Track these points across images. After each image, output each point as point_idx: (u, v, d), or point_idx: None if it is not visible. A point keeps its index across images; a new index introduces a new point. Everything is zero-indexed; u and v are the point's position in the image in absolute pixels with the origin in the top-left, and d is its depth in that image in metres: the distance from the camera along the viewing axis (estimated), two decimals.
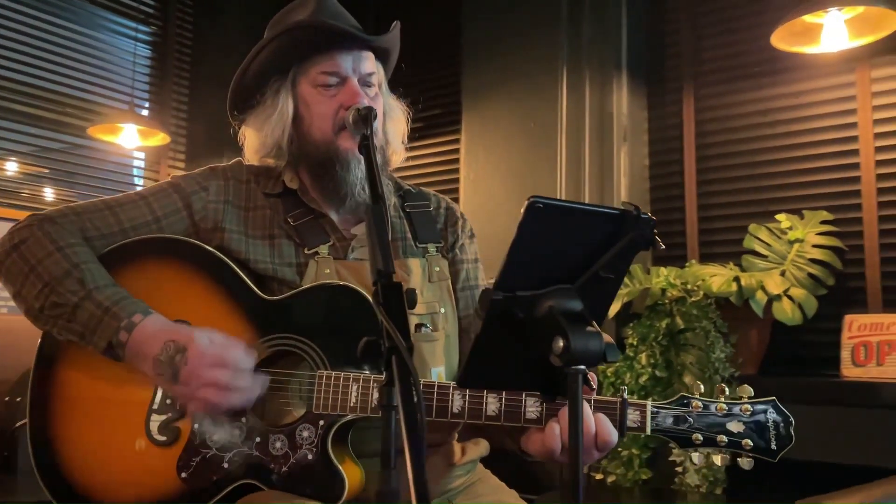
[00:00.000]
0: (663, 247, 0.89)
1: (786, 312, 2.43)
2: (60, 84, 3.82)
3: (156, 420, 1.28)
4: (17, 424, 1.94)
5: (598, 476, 2.70)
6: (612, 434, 1.15)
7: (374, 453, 1.32)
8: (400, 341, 0.80)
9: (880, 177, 2.65)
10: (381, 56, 1.49)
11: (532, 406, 1.20)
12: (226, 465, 1.25)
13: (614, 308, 2.70)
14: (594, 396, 1.19)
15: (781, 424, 1.18)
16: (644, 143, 3.19)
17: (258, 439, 1.25)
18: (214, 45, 4.42)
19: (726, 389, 1.22)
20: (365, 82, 1.42)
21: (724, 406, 1.19)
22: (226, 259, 1.35)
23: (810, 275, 2.58)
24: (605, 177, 3.04)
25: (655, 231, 0.89)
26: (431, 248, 1.48)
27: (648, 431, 1.19)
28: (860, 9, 2.30)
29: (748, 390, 1.21)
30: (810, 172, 2.79)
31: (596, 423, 1.14)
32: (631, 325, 2.68)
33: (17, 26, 3.64)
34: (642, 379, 2.63)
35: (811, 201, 2.76)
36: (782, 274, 2.57)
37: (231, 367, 1.19)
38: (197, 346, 1.18)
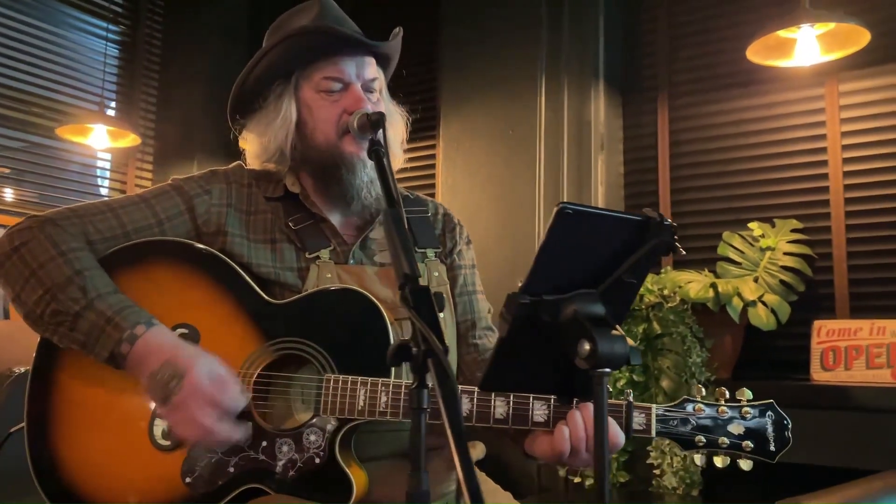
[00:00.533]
0: (684, 252, 0.92)
1: (761, 318, 2.50)
2: (28, 83, 3.74)
3: (159, 425, 1.26)
4: (13, 429, 1.89)
5: (577, 479, 2.74)
6: (620, 436, 1.19)
7: (376, 457, 1.32)
8: (436, 344, 0.81)
9: (847, 187, 2.74)
10: (382, 62, 1.50)
11: (539, 409, 1.22)
12: (231, 470, 1.24)
13: None
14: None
15: (779, 426, 1.22)
16: (619, 151, 3.25)
17: (264, 443, 1.24)
18: (185, 47, 4.36)
19: (726, 393, 1.25)
20: (367, 88, 1.43)
21: (726, 409, 1.23)
22: (231, 262, 1.34)
23: (782, 281, 2.65)
24: (584, 184, 3.08)
25: (676, 237, 0.91)
26: (430, 253, 1.49)
27: (654, 434, 1.22)
28: (831, 25, 2.38)
29: (747, 393, 1.25)
30: (781, 182, 2.88)
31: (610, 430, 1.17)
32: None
33: None
34: (620, 383, 2.67)
35: (782, 210, 2.85)
36: (755, 280, 2.65)
37: (220, 410, 1.18)
38: (194, 378, 1.17)
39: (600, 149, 3.14)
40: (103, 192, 4.26)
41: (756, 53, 2.52)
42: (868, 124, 2.72)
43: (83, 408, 1.29)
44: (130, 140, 3.61)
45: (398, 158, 1.54)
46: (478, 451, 1.49)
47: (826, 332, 2.66)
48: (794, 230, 2.73)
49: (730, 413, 1.22)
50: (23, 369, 2.47)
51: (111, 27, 4.13)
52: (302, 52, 1.40)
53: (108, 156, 4.21)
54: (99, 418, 1.28)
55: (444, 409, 0.76)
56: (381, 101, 1.47)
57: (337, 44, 1.40)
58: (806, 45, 2.45)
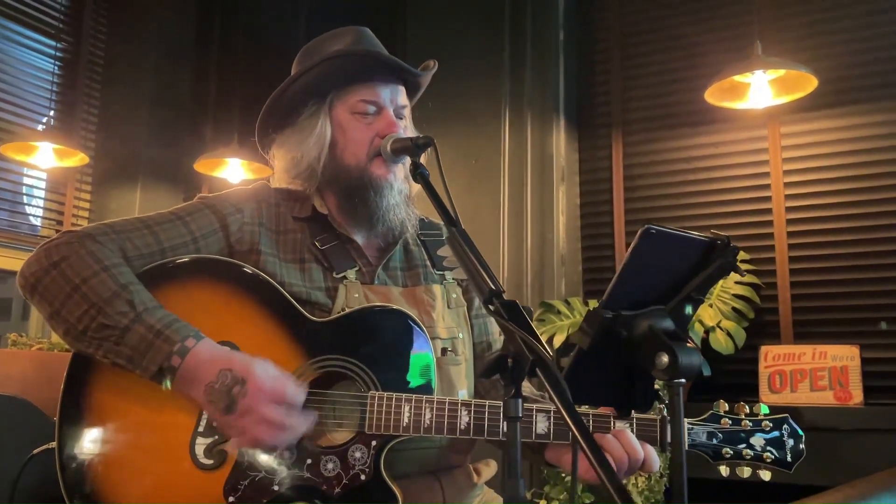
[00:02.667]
0: (745, 273, 1.01)
1: (720, 343, 2.65)
2: None
3: (201, 443, 1.24)
4: (36, 451, 1.79)
5: (542, 502, 2.80)
6: (656, 461, 1.27)
7: (405, 474, 1.34)
8: (545, 352, 0.86)
9: (790, 221, 2.96)
10: (411, 92, 1.54)
11: (542, 422, 1.28)
12: (276, 488, 1.23)
13: (559, 339, 2.83)
14: (635, 416, 1.28)
15: (795, 439, 1.31)
16: (576, 183, 3.39)
17: (309, 461, 1.24)
18: (127, 66, 4.26)
19: (746, 407, 1.34)
20: (398, 114, 1.47)
21: (749, 423, 1.31)
22: (270, 280, 1.33)
23: (734, 309, 2.82)
24: (546, 214, 3.19)
25: (738, 259, 1.00)
26: (448, 275, 1.53)
27: (685, 447, 1.29)
28: (782, 71, 2.58)
29: (763, 408, 1.34)
30: (729, 216, 3.07)
31: (645, 452, 1.25)
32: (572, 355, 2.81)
33: None
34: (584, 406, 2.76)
35: None
36: (710, 307, 2.80)
37: (286, 405, 1.18)
38: (256, 380, 1.17)
39: (561, 180, 3.26)
40: (38, 212, 4.08)
41: (712, 95, 2.71)
42: (808, 164, 2.96)
43: (119, 428, 1.25)
44: (78, 159, 3.48)
45: (416, 186, 1.57)
46: (491, 468, 1.52)
47: (773, 357, 2.84)
48: (742, 261, 2.91)
49: (752, 426, 1.31)
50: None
51: (53, 44, 3.99)
52: (341, 73, 1.43)
53: (42, 175, 4.04)
54: (136, 439, 1.25)
55: (565, 413, 0.80)
56: (408, 130, 1.51)
57: (375, 68, 1.43)
58: (759, 89, 2.65)
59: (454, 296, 1.51)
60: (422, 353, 1.30)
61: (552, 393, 0.83)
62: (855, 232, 2.87)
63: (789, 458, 1.30)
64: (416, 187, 1.57)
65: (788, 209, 2.97)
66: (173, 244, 1.34)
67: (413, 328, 1.30)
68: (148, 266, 1.31)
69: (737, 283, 2.86)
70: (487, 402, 1.28)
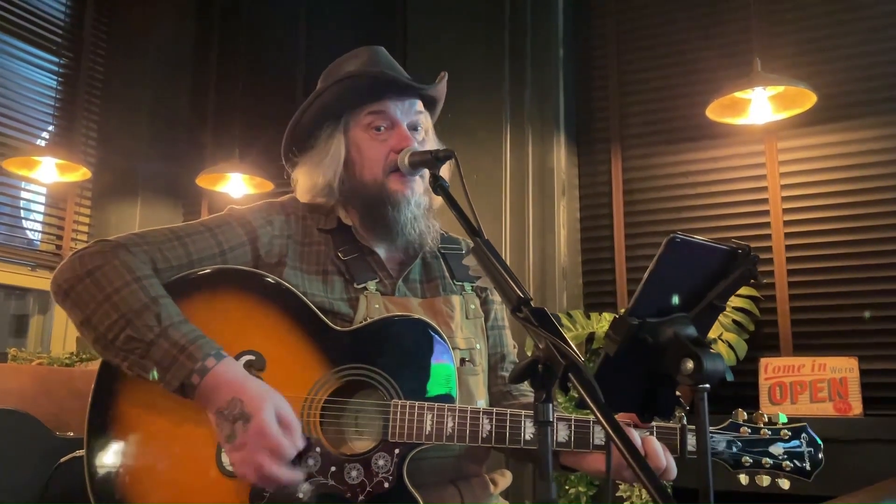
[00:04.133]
0: (764, 281, 1.03)
1: (722, 354, 2.67)
2: None
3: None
4: (64, 459, 1.79)
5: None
6: (674, 471, 1.28)
7: (424, 483, 1.35)
8: (578, 357, 0.88)
9: (788, 235, 3.00)
10: (429, 105, 1.57)
11: (561, 431, 1.30)
12: (300, 496, 1.24)
13: None
14: (655, 424, 1.29)
15: (814, 448, 1.33)
16: (576, 198, 3.42)
17: (333, 468, 1.25)
18: (127, 82, 4.28)
19: (765, 416, 1.35)
20: (413, 127, 1.49)
21: (768, 432, 1.33)
22: (294, 290, 1.36)
23: (734, 321, 2.85)
24: (547, 228, 3.22)
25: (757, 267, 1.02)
26: (467, 286, 1.55)
27: (710, 451, 1.30)
28: (781, 88, 2.63)
29: (782, 417, 1.35)
30: (727, 229, 3.11)
31: (667, 460, 1.27)
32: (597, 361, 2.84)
33: None
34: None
35: None
36: None
37: (278, 456, 1.20)
38: (259, 422, 1.18)
39: (562, 195, 3.30)
40: (36, 226, 4.07)
41: (713, 111, 2.75)
42: (806, 178, 3.01)
43: (148, 433, 1.27)
44: (80, 174, 3.49)
45: (437, 199, 1.58)
46: (506, 479, 1.54)
47: (772, 369, 2.87)
48: None
49: (770, 435, 1.32)
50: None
51: (54, 60, 4.01)
52: (351, 94, 1.46)
53: (42, 190, 4.04)
54: (164, 445, 1.26)
55: (600, 416, 0.82)
56: (427, 142, 1.53)
57: (383, 86, 1.46)
58: (759, 105, 2.69)
59: (472, 307, 1.53)
60: (443, 363, 1.31)
61: (586, 397, 0.85)
62: (852, 245, 2.92)
63: (808, 467, 1.31)
64: (439, 199, 1.59)
65: (787, 223, 3.01)
66: (201, 256, 1.36)
67: (434, 337, 1.32)
68: (175, 277, 1.33)
69: (737, 295, 2.89)
70: (508, 410, 1.30)
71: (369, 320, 1.36)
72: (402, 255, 1.52)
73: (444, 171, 1.56)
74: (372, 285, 1.43)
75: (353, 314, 1.39)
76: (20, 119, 3.84)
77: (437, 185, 1.31)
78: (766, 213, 3.05)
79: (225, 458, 1.25)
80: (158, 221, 3.80)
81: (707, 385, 0.97)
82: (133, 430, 1.27)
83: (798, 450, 1.32)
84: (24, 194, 4.07)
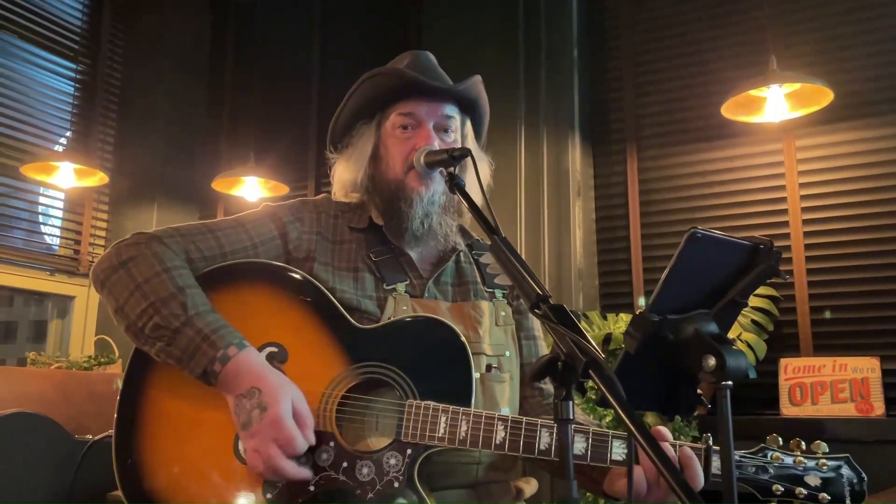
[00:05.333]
0: (788, 278, 1.02)
1: (744, 352, 2.65)
2: None
3: None
4: (95, 438, 1.83)
5: None
6: (701, 479, 1.22)
7: (445, 487, 1.35)
8: (598, 353, 0.87)
9: (807, 234, 2.97)
10: (468, 109, 1.56)
11: (579, 442, 1.24)
12: (311, 489, 1.25)
13: None
14: (679, 442, 1.25)
15: (855, 480, 1.22)
16: (591, 198, 3.41)
17: (345, 464, 1.26)
18: (144, 87, 4.31)
19: (802, 444, 1.27)
20: (443, 129, 1.49)
21: (803, 459, 1.23)
22: (320, 286, 1.38)
23: (753, 321, 2.83)
24: (563, 229, 3.21)
25: (780, 263, 1.01)
26: (498, 293, 1.54)
27: (733, 452, 1.25)
28: (797, 85, 2.61)
29: (822, 446, 1.26)
30: (745, 229, 3.08)
31: (691, 469, 1.21)
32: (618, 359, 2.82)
33: None
34: (605, 420, 2.76)
35: None
36: None
37: (291, 450, 1.22)
38: (276, 414, 1.21)
39: (577, 195, 3.28)
40: (54, 231, 4.11)
41: (728, 110, 2.73)
42: (824, 177, 2.98)
43: (170, 419, 1.30)
44: (98, 179, 3.52)
45: (478, 198, 1.56)
46: (531, 486, 1.52)
47: (792, 370, 2.84)
48: None
49: (807, 464, 1.23)
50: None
51: (72, 66, 4.05)
52: (380, 94, 1.49)
53: (60, 195, 4.07)
54: (186, 430, 1.29)
55: (621, 412, 0.81)
56: (459, 143, 1.53)
57: (411, 86, 1.47)
58: (775, 103, 2.67)
59: (503, 314, 1.52)
60: (462, 366, 1.31)
61: (607, 393, 0.84)
62: (872, 244, 2.88)
63: (848, 501, 1.20)
64: (477, 201, 1.58)
65: (805, 222, 2.98)
66: (234, 248, 1.41)
67: (455, 341, 1.32)
68: (206, 268, 1.37)
69: (755, 295, 2.87)
70: (525, 418, 1.28)
71: (393, 318, 1.37)
72: (433, 258, 1.53)
73: (484, 171, 1.57)
74: (401, 287, 1.44)
75: (379, 314, 1.40)
76: (38, 125, 3.88)
77: (454, 183, 1.31)
78: (784, 212, 3.02)
79: (241, 446, 1.27)
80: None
81: (730, 382, 0.96)
82: (159, 417, 1.31)
83: (837, 482, 1.21)
84: (42, 199, 4.11)
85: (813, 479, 1.22)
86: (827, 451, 1.25)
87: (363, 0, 4.13)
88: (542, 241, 3.17)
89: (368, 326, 1.36)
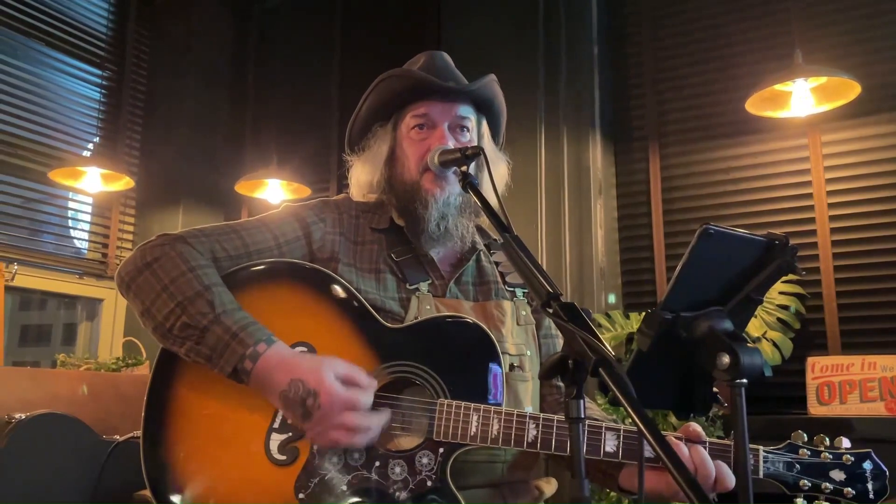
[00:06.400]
0: (804, 273, 1.00)
1: (766, 353, 2.61)
2: (12, 125, 3.67)
3: (276, 439, 1.27)
4: (120, 439, 1.85)
5: None
6: (731, 479, 1.21)
7: (470, 486, 1.34)
8: (606, 352, 0.86)
9: (834, 230, 2.92)
10: (485, 109, 1.57)
11: (610, 440, 1.25)
12: (344, 488, 1.25)
13: None
14: (708, 439, 1.25)
15: (879, 475, 1.24)
16: (613, 196, 3.38)
17: (377, 463, 1.26)
18: (168, 92, 4.37)
19: (826, 440, 1.29)
20: (457, 127, 1.49)
21: (829, 455, 1.26)
22: (348, 285, 1.38)
23: (779, 319, 2.78)
24: (584, 228, 3.19)
25: (796, 259, 1.00)
26: (519, 292, 1.54)
27: (761, 475, 1.24)
28: (823, 79, 2.56)
29: (845, 442, 1.28)
30: (770, 226, 3.03)
31: (717, 469, 1.20)
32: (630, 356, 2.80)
33: None
34: (628, 420, 2.74)
35: None
36: (755, 317, 2.77)
37: (360, 409, 1.22)
38: (328, 390, 1.20)
39: (598, 194, 3.26)
40: (83, 235, 4.18)
41: (752, 105, 2.69)
42: (851, 171, 2.92)
43: (200, 420, 1.30)
44: (124, 183, 3.57)
45: (492, 198, 1.56)
46: (552, 486, 1.51)
47: (820, 368, 2.79)
48: None
49: (832, 459, 1.25)
50: (23, 416, 2.40)
51: (98, 72, 4.11)
52: (396, 95, 1.50)
53: (89, 200, 4.14)
54: (215, 431, 1.29)
55: (631, 411, 0.80)
56: (474, 143, 1.52)
57: (425, 87, 1.48)
58: (800, 98, 2.63)
59: (523, 313, 1.52)
60: (492, 365, 1.31)
61: (617, 391, 0.83)
62: None
63: (871, 496, 1.23)
64: (492, 201, 1.57)
65: (832, 218, 2.93)
66: (259, 248, 1.41)
67: (484, 340, 1.32)
68: (232, 268, 1.37)
69: (781, 293, 2.82)
70: (555, 416, 1.28)
71: (421, 318, 1.37)
72: (453, 258, 1.53)
73: (502, 170, 1.56)
74: (424, 286, 1.44)
75: (404, 314, 1.40)
76: (66, 131, 3.94)
77: (467, 182, 1.31)
78: (811, 208, 2.97)
79: (272, 446, 1.27)
80: None
81: (744, 380, 0.95)
82: (187, 416, 1.31)
83: (861, 476, 1.24)
84: (71, 204, 4.18)
85: (837, 474, 1.24)
86: (850, 446, 1.27)
87: (383, 2, 4.15)
88: (563, 240, 3.15)
89: (396, 326, 1.36)
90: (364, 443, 1.24)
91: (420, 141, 1.47)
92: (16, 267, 3.34)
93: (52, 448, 2.40)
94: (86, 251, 4.15)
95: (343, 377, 1.23)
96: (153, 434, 1.30)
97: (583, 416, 0.91)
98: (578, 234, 3.20)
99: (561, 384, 1.51)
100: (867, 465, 1.24)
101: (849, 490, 1.23)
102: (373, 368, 1.30)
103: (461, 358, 1.31)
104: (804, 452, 1.26)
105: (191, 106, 4.37)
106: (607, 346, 0.89)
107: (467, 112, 1.51)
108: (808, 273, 2.91)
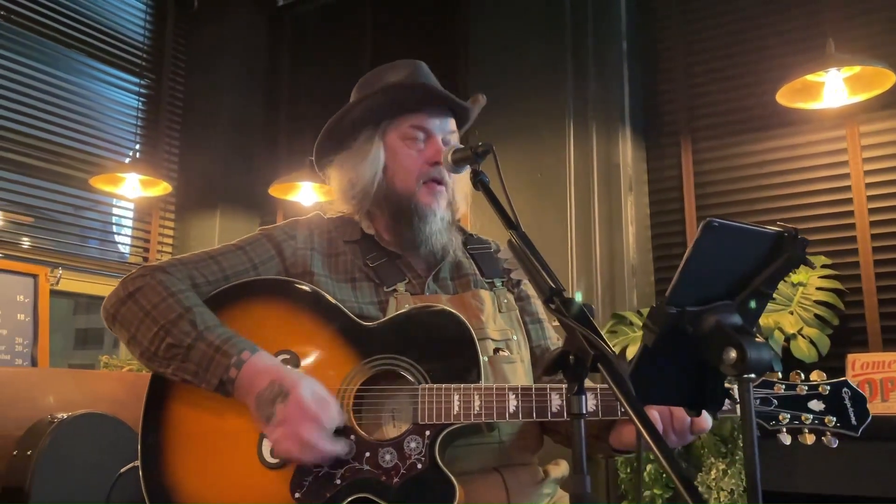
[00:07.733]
0: (815, 266, 0.98)
1: (802, 350, 2.55)
2: (55, 134, 3.79)
3: (268, 444, 1.30)
4: (124, 469, 1.90)
5: None
6: (708, 420, 1.26)
7: (467, 471, 1.36)
8: (606, 348, 0.86)
9: (873, 223, 2.83)
10: (461, 122, 1.62)
11: (591, 399, 1.29)
12: (338, 482, 1.28)
13: (632, 350, 2.78)
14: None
15: (857, 401, 1.25)
16: (645, 193, 3.34)
17: (368, 454, 1.29)
18: (205, 99, 4.46)
19: (801, 374, 1.29)
20: (446, 141, 1.54)
21: (805, 388, 1.26)
22: (323, 292, 1.43)
23: (816, 315, 2.72)
24: (614, 225, 3.16)
25: (820, 264, 0.97)
26: (497, 282, 1.58)
27: (738, 412, 1.24)
28: (857, 68, 2.50)
29: (821, 375, 1.29)
30: (808, 220, 2.96)
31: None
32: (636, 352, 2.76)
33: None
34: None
35: (810, 247, 2.87)
36: (791, 314, 2.71)
37: (320, 426, 1.24)
38: (297, 396, 1.24)
39: (629, 190, 3.23)
40: (126, 240, 4.29)
41: (784, 97, 2.64)
42: (891, 163, 2.83)
43: (194, 436, 1.34)
44: (162, 188, 3.66)
45: (461, 209, 1.62)
46: (561, 468, 1.52)
47: (860, 366, 2.71)
48: (823, 266, 2.80)
49: (808, 391, 1.26)
50: (65, 415, 2.47)
51: (137, 81, 4.22)
52: (396, 102, 1.52)
53: (130, 206, 4.25)
54: (210, 444, 1.33)
55: (629, 409, 0.79)
56: None
57: (426, 99, 1.53)
58: (833, 88, 2.56)
59: (505, 301, 1.55)
60: (467, 346, 1.34)
61: (614, 388, 0.82)
62: None
63: (853, 421, 1.24)
64: (460, 213, 1.62)
65: (871, 210, 2.85)
66: (236, 271, 1.46)
67: (458, 324, 1.35)
68: (213, 291, 1.42)
69: (819, 289, 2.76)
70: (534, 385, 1.31)
71: (396, 313, 1.41)
72: (430, 256, 1.55)
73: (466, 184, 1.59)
74: (401, 286, 1.48)
75: (382, 316, 1.44)
76: (106, 139, 4.05)
77: (478, 180, 1.32)
78: (850, 201, 2.89)
79: (265, 451, 1.31)
80: (236, 232, 3.93)
81: (752, 375, 0.93)
82: (182, 433, 1.36)
83: (840, 404, 1.24)
84: (114, 210, 4.30)
85: (816, 405, 1.25)
86: (826, 378, 1.27)
87: (411, 3, 4.17)
88: (593, 237, 3.13)
89: (373, 324, 1.40)
90: (312, 461, 1.26)
91: (417, 153, 1.51)
92: (60, 272, 3.44)
93: (93, 447, 2.47)
94: (128, 256, 4.26)
95: (318, 395, 1.26)
96: (150, 454, 1.34)
97: (584, 412, 0.90)
98: (609, 232, 3.17)
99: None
100: (846, 393, 1.24)
101: (830, 418, 1.23)
102: (355, 365, 1.35)
103: (438, 344, 1.35)
104: (779, 387, 1.26)
105: (227, 111, 4.45)
106: (607, 342, 0.89)
107: (454, 127, 1.57)
108: (847, 268, 2.84)
